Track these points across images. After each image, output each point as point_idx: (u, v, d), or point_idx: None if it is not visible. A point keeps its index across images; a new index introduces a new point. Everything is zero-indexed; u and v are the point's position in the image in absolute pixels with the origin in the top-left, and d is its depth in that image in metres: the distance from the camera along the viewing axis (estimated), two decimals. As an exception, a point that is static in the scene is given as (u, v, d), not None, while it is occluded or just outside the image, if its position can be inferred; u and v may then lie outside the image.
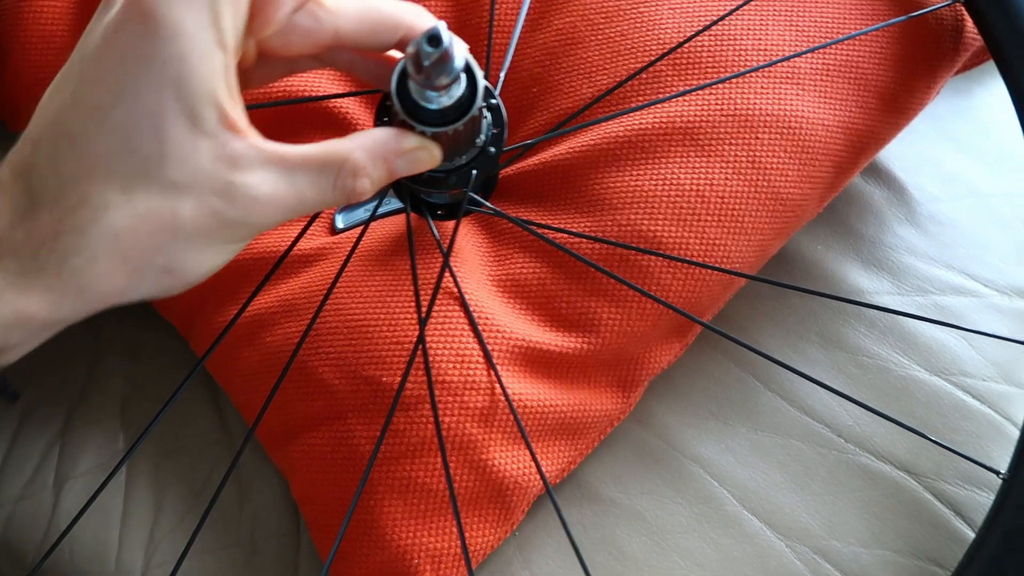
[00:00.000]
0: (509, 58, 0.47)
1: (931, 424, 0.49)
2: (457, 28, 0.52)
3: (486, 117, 0.38)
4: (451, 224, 0.48)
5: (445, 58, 0.31)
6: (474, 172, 0.38)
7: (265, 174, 0.30)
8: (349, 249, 0.48)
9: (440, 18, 0.51)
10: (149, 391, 0.54)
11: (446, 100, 0.33)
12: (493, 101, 0.39)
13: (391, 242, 0.48)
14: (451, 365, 0.44)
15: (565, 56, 0.50)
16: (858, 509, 0.47)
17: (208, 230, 0.29)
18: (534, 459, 0.42)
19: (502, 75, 0.45)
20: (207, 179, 0.29)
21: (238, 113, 0.30)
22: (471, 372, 0.44)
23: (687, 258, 0.46)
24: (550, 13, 0.51)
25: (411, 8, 0.34)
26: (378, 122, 0.37)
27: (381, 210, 0.48)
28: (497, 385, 0.44)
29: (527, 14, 0.52)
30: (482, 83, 0.34)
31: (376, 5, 0.33)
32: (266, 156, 0.30)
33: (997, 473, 0.40)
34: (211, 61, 0.28)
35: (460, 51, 0.31)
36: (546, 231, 0.46)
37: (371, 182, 0.33)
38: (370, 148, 0.33)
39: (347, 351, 0.45)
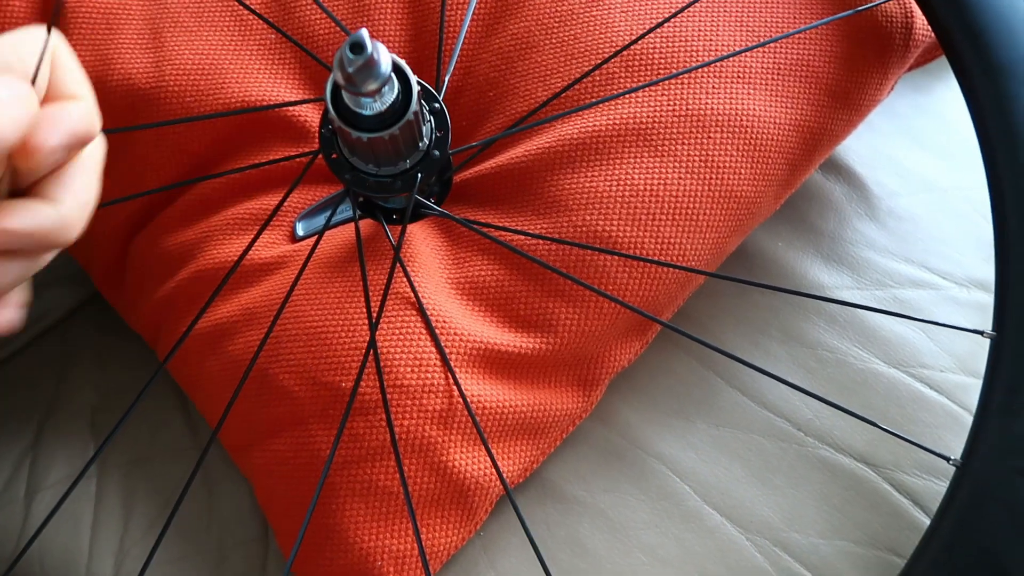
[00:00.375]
0: (454, 61, 0.47)
1: (890, 415, 0.50)
2: (412, 34, 0.52)
3: (429, 121, 0.39)
4: (410, 229, 0.49)
5: (369, 64, 0.31)
6: (419, 175, 0.39)
7: None
8: (306, 257, 0.49)
9: (395, 25, 0.52)
10: (118, 401, 0.55)
11: (379, 106, 0.34)
12: (436, 105, 0.39)
13: (348, 248, 0.48)
14: (408, 368, 0.44)
15: (520, 60, 0.51)
16: (818, 501, 0.47)
17: None
18: (492, 460, 0.43)
19: (446, 79, 0.46)
20: None
21: None
22: (428, 375, 0.44)
23: (640, 262, 0.46)
24: (504, 17, 0.52)
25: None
26: (322, 130, 0.37)
27: (337, 217, 0.48)
28: (455, 387, 0.45)
29: (483, 19, 0.52)
30: (416, 87, 0.35)
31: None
32: None
33: (947, 459, 0.41)
34: None
35: (385, 56, 0.32)
36: (500, 233, 0.47)
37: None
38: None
39: (306, 358, 0.45)
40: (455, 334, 0.45)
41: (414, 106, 0.35)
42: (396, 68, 0.35)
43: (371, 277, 0.46)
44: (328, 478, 0.44)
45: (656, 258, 0.47)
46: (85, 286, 0.60)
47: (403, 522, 0.44)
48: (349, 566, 0.43)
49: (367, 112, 0.34)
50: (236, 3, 0.53)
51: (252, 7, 0.53)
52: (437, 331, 0.45)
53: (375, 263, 0.46)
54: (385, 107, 0.34)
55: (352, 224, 0.50)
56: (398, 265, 0.46)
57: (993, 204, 0.46)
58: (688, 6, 0.49)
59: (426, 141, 0.39)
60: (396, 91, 0.35)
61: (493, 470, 0.45)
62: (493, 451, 0.46)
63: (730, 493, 0.48)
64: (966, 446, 0.42)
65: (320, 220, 0.50)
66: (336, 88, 0.35)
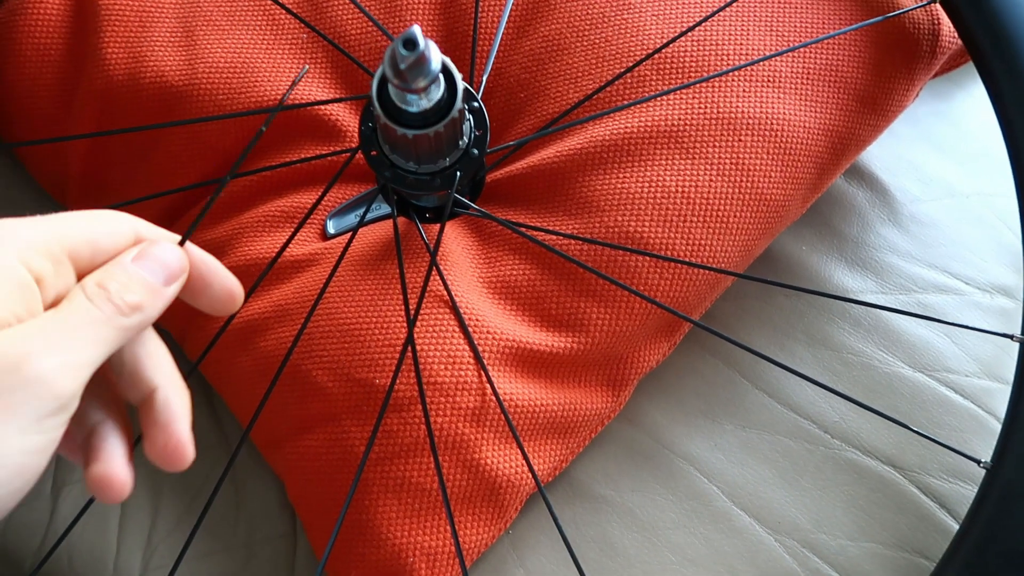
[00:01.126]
0: (491, 62, 0.48)
1: (915, 419, 0.50)
2: (444, 35, 0.53)
3: (468, 120, 0.39)
4: (444, 231, 0.49)
5: (421, 61, 0.31)
6: (458, 173, 0.39)
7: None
8: (340, 254, 0.49)
9: (427, 25, 0.53)
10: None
11: (425, 103, 0.34)
12: (475, 104, 0.39)
13: (381, 246, 0.48)
14: (442, 366, 0.44)
15: (551, 62, 0.51)
16: (845, 503, 0.47)
17: None
18: (525, 458, 0.43)
19: (484, 79, 0.46)
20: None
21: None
22: (462, 373, 0.44)
23: (671, 263, 0.47)
24: (536, 20, 0.52)
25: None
26: (363, 127, 0.37)
27: (370, 215, 0.49)
28: (488, 385, 0.45)
29: (514, 21, 0.53)
30: (461, 85, 0.35)
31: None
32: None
33: (979, 462, 0.41)
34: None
35: (436, 54, 0.32)
36: (533, 232, 0.47)
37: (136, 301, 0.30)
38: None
39: (340, 354, 0.45)
40: (487, 332, 0.46)
41: (459, 104, 0.35)
42: (442, 66, 0.35)
43: (406, 275, 0.46)
44: (362, 475, 0.44)
45: (686, 258, 0.47)
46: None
47: (436, 519, 0.44)
48: (381, 562, 0.43)
49: (413, 109, 0.34)
50: (269, 2, 0.53)
51: (286, 5, 0.53)
52: (470, 329, 0.45)
53: (409, 261, 0.46)
54: (431, 104, 0.35)
55: (384, 222, 0.50)
56: (439, 267, 0.46)
57: (1022, 208, 0.46)
58: (720, 10, 0.50)
59: (466, 140, 0.39)
60: (442, 89, 0.35)
61: (524, 468, 0.46)
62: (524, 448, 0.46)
63: (758, 494, 0.48)
64: (996, 448, 0.43)
65: (351, 218, 0.51)
66: (382, 84, 0.35)
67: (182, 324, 0.53)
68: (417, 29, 0.31)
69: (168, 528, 0.50)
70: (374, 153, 0.40)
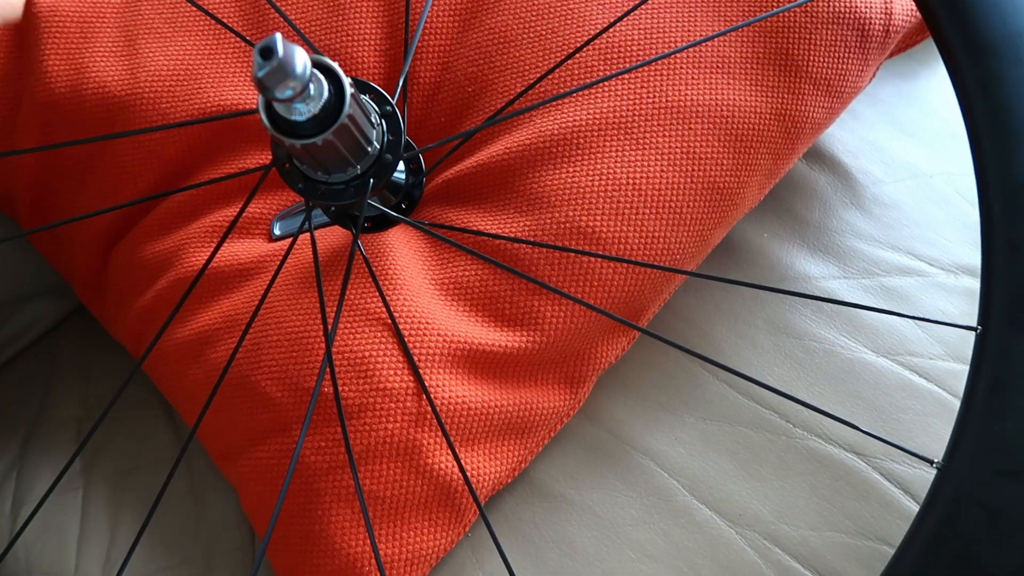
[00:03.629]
0: (407, 64, 0.46)
1: (878, 405, 0.49)
2: (388, 32, 0.52)
3: (380, 124, 0.38)
4: (390, 235, 0.49)
5: (282, 68, 0.30)
6: (371, 181, 0.38)
7: None
8: (288, 262, 0.48)
9: (371, 23, 0.52)
10: (101, 410, 0.54)
11: (311, 110, 0.33)
12: (387, 108, 0.38)
13: (329, 254, 0.48)
14: (391, 372, 0.44)
15: (498, 54, 0.50)
16: (807, 493, 0.47)
17: None
18: (461, 469, 0.42)
19: (401, 81, 0.45)
20: None
21: None
22: (411, 378, 0.44)
23: (623, 254, 0.46)
24: (482, 12, 0.52)
25: None
26: (272, 140, 0.36)
27: (315, 220, 0.48)
28: (443, 389, 0.44)
29: (460, 13, 0.52)
30: (348, 88, 0.34)
31: None
32: None
33: (931, 462, 0.40)
34: None
35: (300, 59, 0.31)
36: (472, 236, 0.46)
37: None
38: None
39: (287, 363, 0.45)
40: (438, 335, 0.45)
41: (347, 109, 0.34)
42: (327, 70, 0.34)
43: (350, 284, 0.45)
44: (313, 484, 0.43)
45: (641, 251, 0.47)
46: (69, 298, 0.60)
47: (389, 526, 0.43)
48: (335, 572, 0.43)
49: (299, 118, 0.33)
50: (209, 8, 0.53)
51: (222, 14, 0.52)
52: (420, 333, 0.45)
53: (353, 271, 0.46)
54: (317, 111, 0.33)
55: (335, 228, 0.50)
56: (372, 268, 0.45)
57: (980, 189, 0.45)
58: (664, -3, 0.49)
59: (376, 145, 0.38)
60: (326, 93, 0.34)
61: (481, 470, 0.45)
62: (479, 452, 0.46)
63: (719, 487, 0.47)
64: (948, 446, 0.41)
65: (298, 221, 0.50)
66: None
67: (137, 338, 0.53)
68: (278, 37, 0.30)
69: (127, 544, 0.49)
70: (287, 166, 0.39)
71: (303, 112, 0.34)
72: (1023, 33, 0.43)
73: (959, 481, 0.38)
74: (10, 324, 0.59)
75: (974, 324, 0.41)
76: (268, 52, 0.30)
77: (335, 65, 0.34)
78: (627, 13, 0.47)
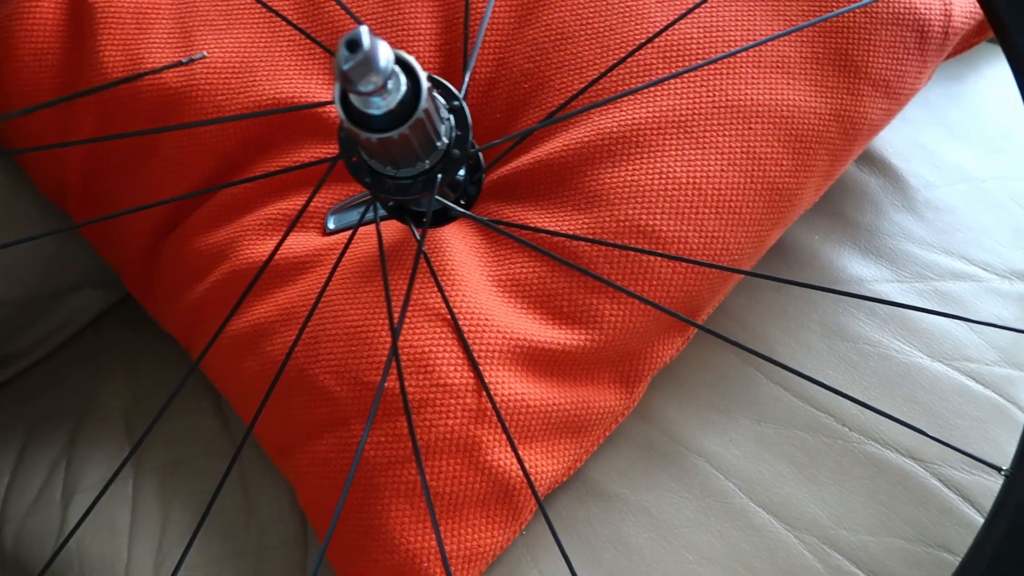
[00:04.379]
0: (473, 58, 0.46)
1: (935, 410, 0.49)
2: (443, 28, 0.52)
3: (447, 119, 0.38)
4: (446, 231, 0.48)
5: (367, 62, 0.30)
6: (439, 176, 0.38)
7: None
8: (345, 256, 0.48)
9: (427, 19, 0.52)
10: (151, 403, 0.55)
11: (388, 104, 0.33)
12: (456, 103, 0.38)
13: (387, 247, 0.47)
14: (451, 368, 0.44)
15: (555, 51, 0.50)
16: (865, 497, 0.46)
17: None
18: (521, 466, 0.42)
19: (466, 77, 0.45)
20: None
21: None
22: (471, 374, 0.43)
23: (683, 254, 0.46)
24: (539, 8, 0.51)
25: None
26: (341, 133, 0.36)
27: (369, 216, 0.48)
28: (502, 386, 0.44)
29: (517, 9, 0.52)
30: (424, 83, 0.34)
31: None
32: None
33: (999, 470, 0.40)
34: None
35: (385, 52, 0.31)
36: (531, 232, 0.46)
37: None
38: None
39: (347, 357, 0.45)
40: (497, 332, 0.45)
41: (423, 103, 0.34)
42: (404, 64, 0.34)
43: (407, 278, 0.45)
44: (372, 479, 0.43)
45: (700, 251, 0.47)
46: (116, 288, 0.60)
47: (449, 522, 0.43)
48: (395, 567, 0.43)
49: (376, 112, 0.33)
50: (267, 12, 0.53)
51: (278, 8, 0.52)
52: (480, 329, 0.45)
53: (411, 265, 0.46)
54: (394, 105, 0.33)
55: (388, 223, 0.49)
56: (432, 266, 0.45)
57: None
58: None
59: (445, 140, 0.38)
60: (404, 88, 0.34)
61: (539, 469, 0.45)
62: (536, 449, 0.45)
63: (775, 490, 0.47)
64: (1016, 454, 0.41)
65: (353, 215, 0.50)
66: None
67: (188, 329, 0.52)
68: (364, 30, 0.30)
69: (178, 534, 0.49)
70: (354, 159, 0.39)
71: (380, 106, 0.33)
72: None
73: None
74: (57, 313, 0.59)
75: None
76: (355, 45, 0.30)
77: (413, 60, 0.34)
78: (688, 12, 0.47)
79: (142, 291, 0.56)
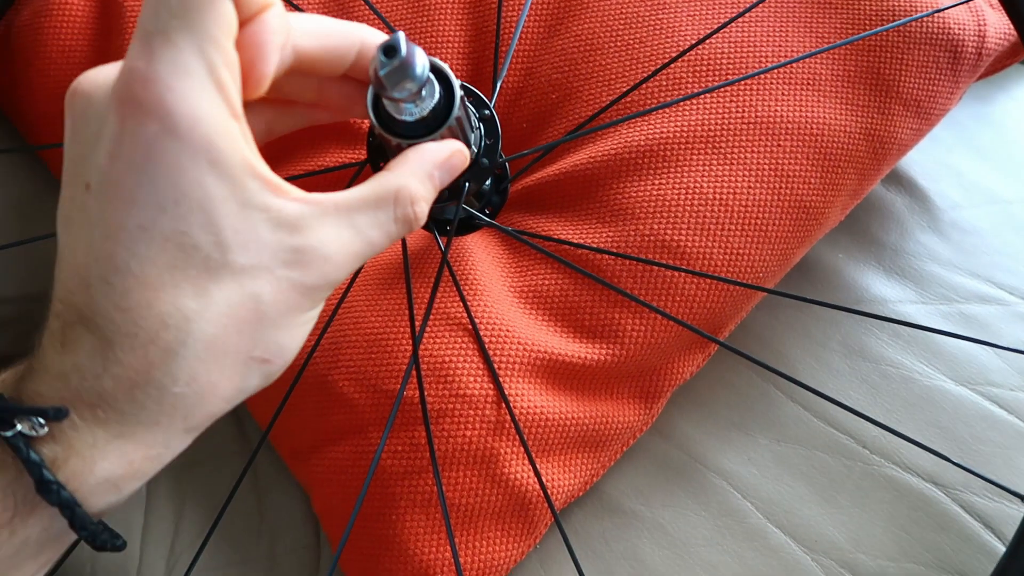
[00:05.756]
0: (504, 70, 0.46)
1: (957, 435, 0.48)
2: (472, 36, 0.52)
3: (478, 128, 0.38)
4: (469, 240, 0.48)
5: (403, 68, 0.30)
6: (466, 184, 0.38)
7: (328, 228, 0.28)
8: (368, 262, 0.48)
9: (455, 26, 0.52)
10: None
11: (420, 111, 0.33)
12: (486, 112, 0.38)
13: (411, 255, 0.47)
14: (471, 378, 0.43)
15: (584, 62, 0.50)
16: (885, 522, 0.46)
17: (292, 304, 0.28)
18: (538, 478, 0.42)
19: (498, 84, 0.45)
20: (274, 253, 0.27)
21: (275, 175, 0.28)
22: (491, 385, 0.43)
23: (708, 270, 0.45)
24: (568, 18, 0.51)
25: (362, 25, 0.33)
26: (370, 138, 0.36)
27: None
28: (521, 398, 0.44)
29: (546, 19, 0.51)
30: (458, 92, 0.34)
31: (328, 22, 0.32)
32: (323, 208, 0.28)
33: (1022, 497, 0.39)
34: (233, 134, 0.26)
35: (421, 60, 0.31)
36: (562, 244, 0.46)
37: (427, 204, 0.32)
38: (415, 170, 0.32)
39: (366, 364, 0.44)
40: (518, 343, 0.44)
41: (456, 112, 0.34)
42: (439, 72, 0.34)
43: (429, 286, 0.45)
44: (388, 488, 0.43)
45: (725, 268, 0.46)
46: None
47: (463, 534, 0.43)
48: (408, 578, 0.42)
49: (408, 118, 0.33)
50: (292, 5, 0.52)
51: (308, 7, 0.52)
52: (501, 341, 0.44)
53: (431, 274, 0.45)
54: (426, 113, 0.33)
55: (416, 230, 0.49)
56: (455, 276, 0.45)
57: None
58: (754, 6, 0.48)
59: (474, 149, 0.38)
60: (437, 96, 0.33)
61: (555, 482, 0.45)
62: (553, 463, 0.45)
63: (794, 511, 0.47)
64: None
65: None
66: (377, 95, 0.34)
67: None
68: (401, 36, 0.30)
69: (191, 537, 0.49)
70: (382, 165, 0.39)
71: (413, 113, 0.33)
72: None
73: None
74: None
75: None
76: (392, 51, 0.30)
77: (447, 68, 0.34)
78: (722, 27, 0.47)
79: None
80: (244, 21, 0.28)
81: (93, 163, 0.26)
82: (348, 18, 0.52)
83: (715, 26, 0.49)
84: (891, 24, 0.48)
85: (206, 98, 0.26)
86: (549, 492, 0.44)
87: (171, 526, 0.49)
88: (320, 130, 0.51)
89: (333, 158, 0.51)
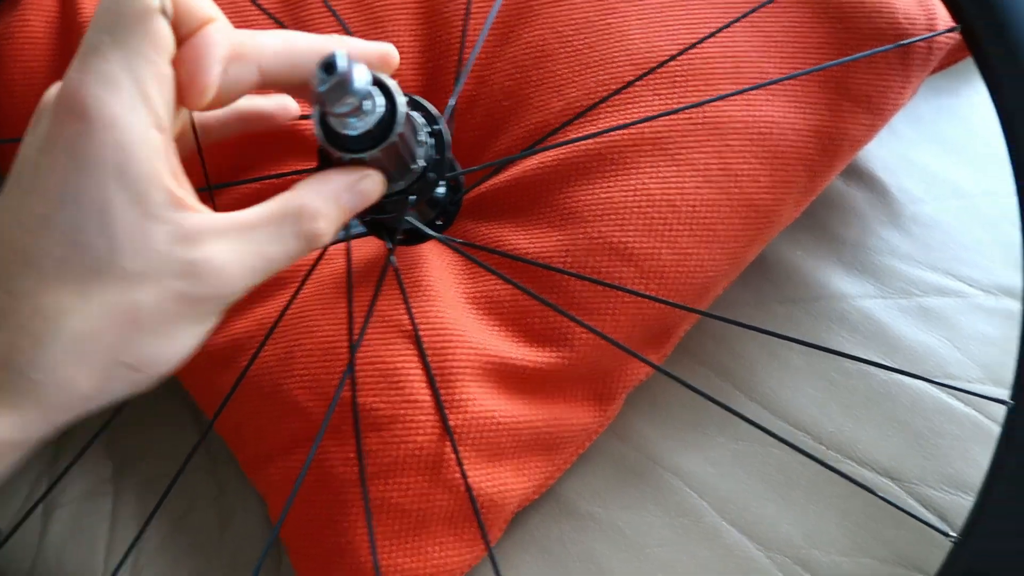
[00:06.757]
0: (460, 85, 0.46)
1: (916, 428, 0.48)
2: (426, 45, 0.52)
3: (427, 143, 0.38)
4: (425, 248, 0.49)
5: (342, 84, 0.30)
6: (411, 198, 0.38)
7: (226, 244, 0.29)
8: (325, 270, 0.49)
9: (408, 35, 0.52)
10: (134, 417, 0.55)
11: (363, 126, 0.33)
12: (436, 127, 0.39)
13: (365, 263, 0.48)
14: (422, 384, 0.44)
15: (535, 69, 0.50)
16: (839, 517, 0.46)
17: (175, 314, 0.29)
18: (464, 482, 0.42)
19: (451, 101, 0.45)
20: (165, 262, 0.28)
21: (186, 190, 0.29)
22: (442, 391, 0.44)
23: (657, 271, 0.46)
24: (519, 25, 0.52)
25: (329, 38, 0.34)
26: (319, 150, 0.37)
27: (351, 231, 0.48)
28: (472, 403, 0.44)
29: (498, 27, 0.52)
30: (401, 108, 0.34)
31: (293, 38, 0.33)
32: (223, 224, 0.30)
33: (947, 535, 0.39)
34: (151, 145, 0.28)
35: (361, 76, 0.31)
36: (498, 256, 0.46)
37: (328, 223, 0.33)
38: (320, 190, 0.33)
39: (319, 372, 0.45)
40: (470, 348, 0.45)
41: (398, 128, 0.34)
42: (383, 86, 0.34)
43: (382, 294, 0.45)
44: (340, 496, 0.43)
45: (674, 268, 0.46)
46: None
47: (415, 540, 0.43)
48: (361, 585, 0.43)
49: (352, 132, 0.33)
50: (248, 14, 0.53)
51: (263, 28, 0.53)
52: (451, 346, 0.45)
53: (386, 282, 0.46)
54: (371, 126, 0.34)
55: (367, 240, 0.50)
56: (402, 282, 0.45)
57: (1022, 206, 0.44)
58: (719, 31, 0.49)
59: (421, 163, 0.38)
60: (382, 110, 0.34)
61: (508, 487, 0.45)
62: (507, 467, 0.45)
63: (750, 509, 0.47)
64: (967, 522, 0.39)
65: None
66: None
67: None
68: (341, 52, 0.30)
69: (154, 548, 0.50)
70: None
71: (356, 127, 0.34)
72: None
73: (975, 559, 0.37)
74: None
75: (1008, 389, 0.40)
76: (330, 67, 0.30)
77: (393, 83, 0.35)
78: (684, 51, 0.47)
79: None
80: (187, 35, 0.30)
81: (28, 156, 0.29)
82: (302, 28, 0.53)
83: (663, 28, 0.49)
84: (857, 55, 0.48)
85: (129, 108, 0.28)
86: (502, 496, 0.45)
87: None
88: (279, 141, 0.52)
89: (294, 168, 0.52)
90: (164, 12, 0.29)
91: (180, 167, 0.30)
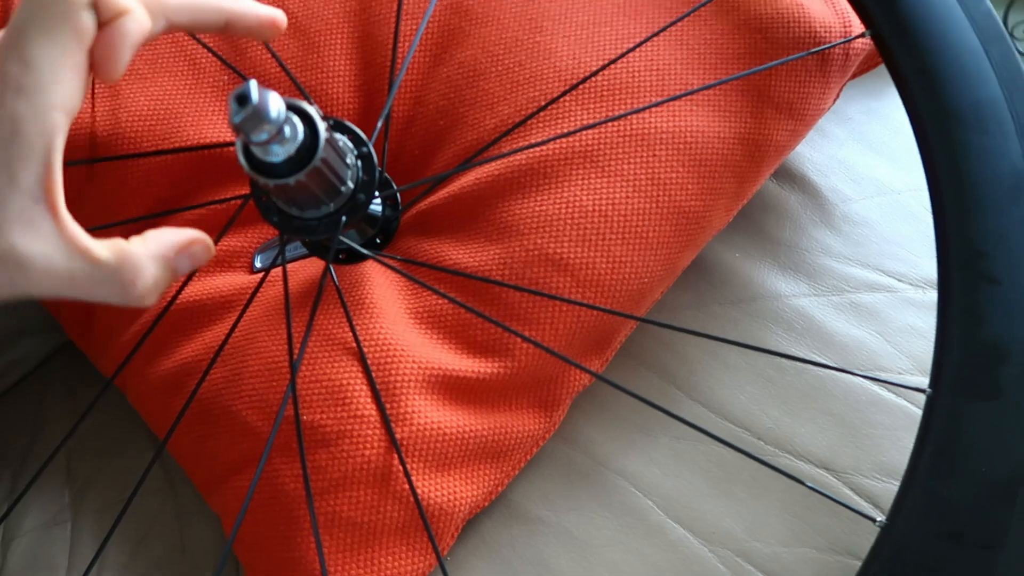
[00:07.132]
0: (388, 108, 0.48)
1: (849, 420, 0.50)
2: (361, 68, 0.53)
3: (355, 165, 0.39)
4: (367, 266, 0.50)
5: (257, 115, 0.32)
6: (343, 219, 0.39)
7: (50, 248, 0.31)
8: (270, 292, 0.50)
9: (345, 60, 0.53)
10: (92, 445, 0.56)
11: (284, 152, 0.35)
12: (364, 150, 0.40)
13: (309, 284, 0.49)
14: (368, 399, 0.45)
15: (468, 88, 0.52)
16: (779, 509, 0.48)
17: None
18: (412, 492, 0.43)
19: (379, 123, 0.47)
20: None
21: (58, 186, 0.31)
22: (388, 405, 0.45)
23: (592, 280, 0.47)
24: (452, 46, 0.53)
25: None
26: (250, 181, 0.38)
27: (290, 254, 0.49)
28: (418, 415, 0.45)
29: (431, 48, 0.53)
30: (323, 134, 0.35)
31: None
32: (60, 232, 0.31)
33: (873, 520, 0.40)
34: (45, 121, 0.30)
35: (275, 105, 0.32)
36: (437, 272, 0.47)
37: (151, 284, 0.33)
38: (153, 251, 0.33)
39: (267, 392, 0.46)
40: (413, 362, 0.46)
41: (320, 153, 0.35)
42: (303, 114, 0.36)
43: (325, 313, 0.47)
44: (292, 512, 0.44)
45: (609, 276, 0.48)
46: (58, 334, 0.61)
47: (367, 552, 0.44)
48: (316, 598, 0.44)
49: (276, 159, 0.35)
50: (190, 48, 0.54)
51: (204, 54, 0.54)
52: (395, 361, 0.46)
53: (330, 301, 0.47)
54: (293, 152, 0.35)
55: (314, 260, 0.51)
56: (344, 299, 0.46)
57: (939, 254, 0.43)
58: (643, 43, 0.50)
59: (350, 185, 0.39)
60: (301, 136, 0.35)
61: (457, 495, 0.46)
62: (455, 476, 0.46)
63: (692, 506, 0.48)
64: (892, 506, 0.41)
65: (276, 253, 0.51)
66: None
67: (124, 373, 0.54)
68: (253, 84, 0.31)
69: (118, 569, 0.50)
70: (264, 199, 0.41)
71: (279, 153, 0.35)
72: (989, 102, 0.43)
73: (901, 541, 0.39)
74: (2, 358, 0.60)
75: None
76: (243, 99, 0.31)
77: (311, 109, 0.36)
78: (610, 63, 0.49)
79: (81, 336, 0.57)
80: (107, 21, 0.32)
81: None
82: (242, 58, 0.54)
83: (589, 45, 0.51)
84: (777, 61, 0.50)
85: (39, 89, 0.30)
86: (452, 504, 0.46)
87: (95, 566, 0.51)
88: (222, 167, 0.53)
89: (235, 194, 0.53)
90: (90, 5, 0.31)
91: (60, 165, 0.31)
